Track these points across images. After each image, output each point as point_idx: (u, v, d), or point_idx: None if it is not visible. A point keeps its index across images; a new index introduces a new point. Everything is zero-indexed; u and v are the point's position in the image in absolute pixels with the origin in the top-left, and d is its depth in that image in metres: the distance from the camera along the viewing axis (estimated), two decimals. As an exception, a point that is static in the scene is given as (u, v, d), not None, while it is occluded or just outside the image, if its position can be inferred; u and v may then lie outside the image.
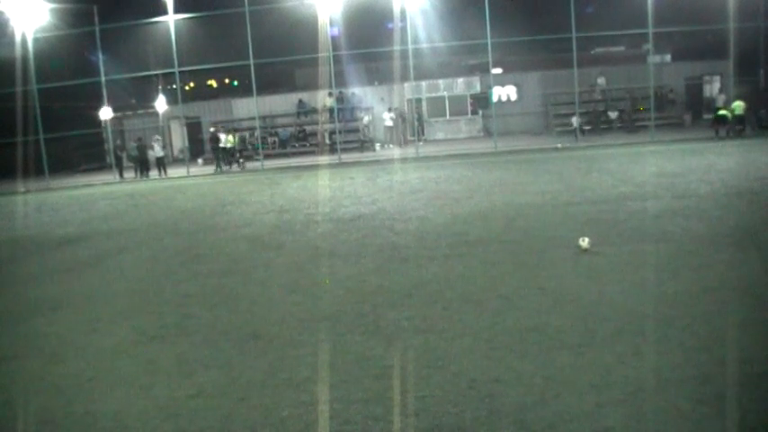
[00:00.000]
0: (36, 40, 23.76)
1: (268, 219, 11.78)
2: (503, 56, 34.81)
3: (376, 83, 32.90)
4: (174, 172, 24.81)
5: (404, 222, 10.16)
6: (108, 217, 14.01)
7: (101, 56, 24.52)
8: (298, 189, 16.46)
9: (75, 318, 6.42)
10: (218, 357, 4.99)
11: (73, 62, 26.13)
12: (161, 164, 24.71)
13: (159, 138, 26.38)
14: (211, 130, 25.74)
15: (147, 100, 34.15)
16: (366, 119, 28.83)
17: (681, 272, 6.29)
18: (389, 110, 28.14)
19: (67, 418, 4.15)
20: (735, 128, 21.77)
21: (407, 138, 27.93)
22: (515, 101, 30.48)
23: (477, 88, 30.26)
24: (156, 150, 24.91)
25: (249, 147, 28.01)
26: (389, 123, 27.95)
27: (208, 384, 4.48)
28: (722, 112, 21.98)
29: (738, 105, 21.74)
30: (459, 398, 3.95)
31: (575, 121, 24.46)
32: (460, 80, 30.97)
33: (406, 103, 28.97)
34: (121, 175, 24.93)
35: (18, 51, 23.21)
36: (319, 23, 23.37)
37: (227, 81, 49.93)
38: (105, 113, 25.47)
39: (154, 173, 24.60)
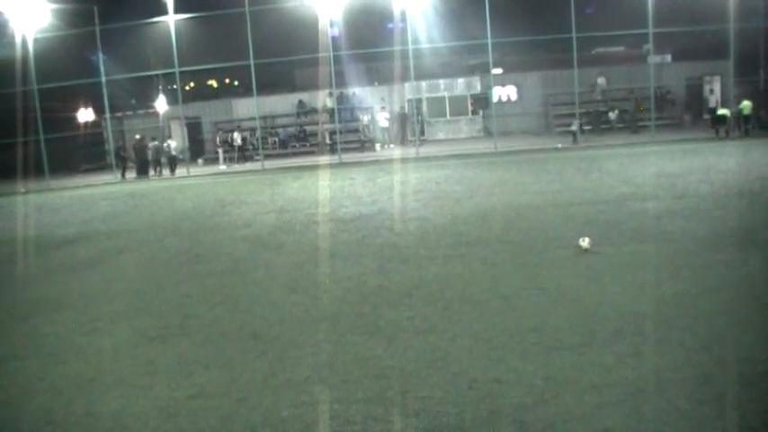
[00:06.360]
0: (36, 41, 23.74)
1: (268, 219, 11.78)
2: (503, 56, 34.76)
3: (376, 83, 32.87)
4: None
5: (404, 223, 10.16)
6: (108, 217, 14.01)
7: (101, 56, 24.50)
8: (298, 189, 16.45)
9: (75, 318, 6.43)
10: (218, 357, 4.99)
11: (73, 62, 26.07)
12: (172, 163, 24.88)
13: (172, 137, 26.46)
14: (137, 137, 25.55)
15: (147, 100, 34.12)
16: (366, 119, 28.85)
17: (681, 272, 6.29)
18: (383, 108, 28.20)
19: (67, 419, 4.15)
20: (744, 127, 21.76)
21: (408, 138, 27.95)
22: (515, 101, 30.43)
23: (478, 88, 30.22)
24: (171, 149, 25.07)
25: (250, 146, 28.02)
26: (384, 124, 28.03)
27: (208, 384, 4.49)
28: (721, 111, 21.95)
29: (746, 105, 21.74)
30: (459, 398, 3.96)
31: (575, 124, 24.28)
32: (461, 80, 30.92)
33: (407, 104, 28.97)
34: (123, 175, 24.95)
35: (18, 51, 23.18)
36: (319, 24, 23.36)
37: (227, 81, 49.89)
38: (86, 115, 24.90)
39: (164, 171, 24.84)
